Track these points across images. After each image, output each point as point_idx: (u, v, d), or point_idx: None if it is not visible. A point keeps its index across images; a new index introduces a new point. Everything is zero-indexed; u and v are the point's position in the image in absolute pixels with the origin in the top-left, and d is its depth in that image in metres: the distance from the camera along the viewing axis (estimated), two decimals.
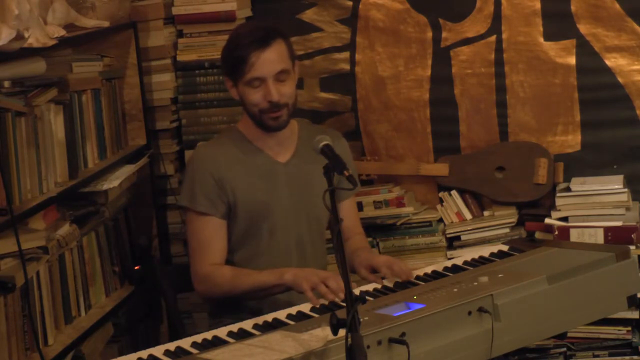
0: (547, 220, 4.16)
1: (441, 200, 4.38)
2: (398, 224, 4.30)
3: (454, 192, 4.35)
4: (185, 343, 2.84)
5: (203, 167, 3.34)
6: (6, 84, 3.32)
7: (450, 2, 4.37)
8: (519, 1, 4.31)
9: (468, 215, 4.33)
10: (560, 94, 4.33)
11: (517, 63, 4.34)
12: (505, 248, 3.48)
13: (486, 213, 4.35)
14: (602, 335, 4.13)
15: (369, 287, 3.18)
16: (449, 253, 4.25)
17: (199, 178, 3.33)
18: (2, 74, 3.28)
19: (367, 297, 3.00)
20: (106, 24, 3.97)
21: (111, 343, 3.89)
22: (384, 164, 4.43)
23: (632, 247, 3.90)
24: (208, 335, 2.89)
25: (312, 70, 4.48)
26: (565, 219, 4.14)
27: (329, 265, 3.53)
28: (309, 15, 4.45)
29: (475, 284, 3.01)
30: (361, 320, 2.56)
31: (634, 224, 4.07)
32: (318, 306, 3.03)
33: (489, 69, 4.36)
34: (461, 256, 3.47)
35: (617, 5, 4.24)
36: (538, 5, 4.30)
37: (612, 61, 4.28)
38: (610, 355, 4.15)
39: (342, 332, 2.52)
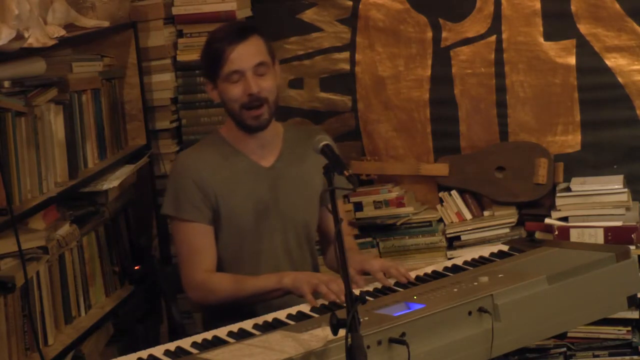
0: (547, 220, 4.16)
1: (441, 200, 4.38)
2: (398, 224, 4.30)
3: (454, 192, 4.35)
4: (185, 343, 2.84)
5: (185, 174, 3.29)
6: (6, 84, 3.32)
7: (450, 2, 4.37)
8: (519, 1, 4.31)
9: (468, 215, 4.33)
10: (560, 94, 4.33)
11: (517, 63, 4.34)
12: (505, 248, 3.48)
13: (486, 213, 4.35)
14: (602, 335, 4.13)
15: (369, 287, 3.18)
16: (449, 253, 4.25)
17: (181, 185, 3.28)
18: (2, 74, 3.28)
19: (367, 297, 2.99)
20: (106, 24, 3.97)
21: (111, 343, 3.89)
22: (384, 164, 4.43)
23: (632, 247, 3.90)
24: (208, 335, 2.88)
25: (312, 70, 4.48)
26: (565, 219, 4.14)
27: (320, 267, 3.52)
28: (309, 15, 4.45)
29: (475, 284, 3.01)
30: (361, 320, 2.56)
31: (634, 224, 4.07)
32: (318, 306, 3.03)
33: (489, 69, 4.36)
34: (461, 256, 3.47)
35: (617, 5, 4.24)
36: (538, 5, 4.30)
37: (612, 61, 4.28)
38: (610, 355, 4.15)
39: (342, 332, 2.52)
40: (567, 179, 4.28)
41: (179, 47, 4.34)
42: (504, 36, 4.34)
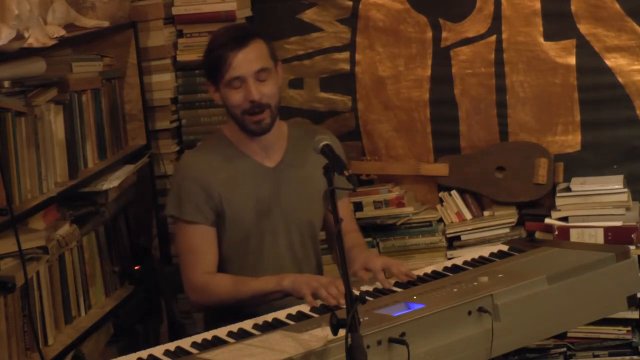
0: (547, 220, 4.16)
1: (441, 200, 4.38)
2: (398, 224, 4.30)
3: (454, 192, 4.35)
4: (185, 343, 2.84)
5: (189, 175, 3.29)
6: (6, 84, 3.32)
7: (450, 2, 4.37)
8: (519, 1, 4.31)
9: (468, 215, 4.33)
10: (560, 94, 4.33)
11: (517, 63, 4.34)
12: (505, 248, 3.48)
13: (486, 213, 4.35)
14: (602, 335, 4.13)
15: (369, 287, 3.18)
16: (449, 253, 4.25)
17: (185, 186, 3.28)
18: (2, 74, 3.28)
19: (367, 297, 2.99)
20: (106, 24, 3.97)
21: (111, 343, 3.89)
22: (384, 164, 4.43)
23: (632, 247, 3.90)
24: (208, 335, 2.89)
25: (312, 70, 4.48)
26: (565, 219, 4.14)
27: (325, 266, 3.52)
28: (309, 15, 4.45)
29: (475, 284, 3.01)
30: (361, 320, 2.56)
31: (634, 224, 4.07)
32: (318, 306, 3.03)
33: (489, 69, 4.36)
34: (461, 256, 3.47)
35: (617, 5, 4.24)
36: (538, 5, 4.30)
37: (612, 61, 4.28)
38: (610, 355, 4.15)
39: (342, 332, 2.52)
40: (567, 179, 4.28)
41: (179, 47, 4.34)
42: (504, 36, 4.34)
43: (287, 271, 3.26)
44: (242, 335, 2.87)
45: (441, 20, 4.38)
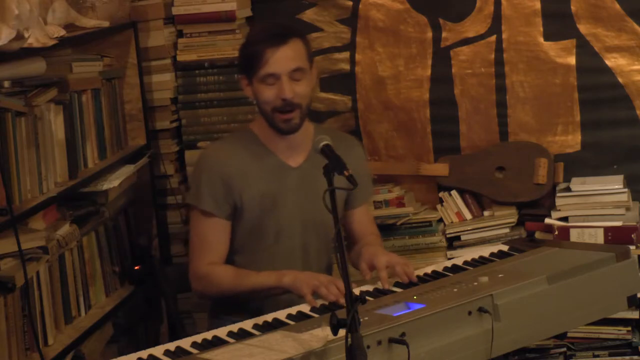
0: (547, 220, 4.16)
1: (441, 200, 4.38)
2: (398, 224, 4.30)
3: (454, 192, 4.35)
4: (185, 343, 2.84)
5: (212, 167, 3.31)
6: (6, 84, 3.32)
7: (450, 2, 4.37)
8: (519, 1, 4.31)
9: (468, 215, 4.33)
10: (560, 94, 4.33)
11: (517, 63, 4.34)
12: (505, 248, 3.48)
13: (486, 213, 4.35)
14: (602, 335, 4.13)
15: (369, 287, 3.18)
16: (449, 253, 4.25)
17: (206, 178, 3.30)
18: (2, 74, 3.28)
19: (367, 297, 2.99)
20: (106, 24, 3.97)
21: (111, 343, 3.89)
22: (384, 164, 4.43)
23: (632, 247, 3.90)
24: (208, 335, 2.88)
25: None
26: (565, 219, 4.14)
27: (335, 272, 3.52)
28: (309, 15, 4.45)
29: (475, 284, 3.01)
30: (361, 320, 2.56)
31: (634, 224, 4.07)
32: (318, 306, 3.03)
33: (489, 69, 4.36)
34: (461, 256, 3.46)
35: (617, 5, 4.24)
36: (538, 5, 4.30)
37: (612, 61, 4.28)
38: (610, 355, 4.15)
39: (342, 332, 2.52)
40: (567, 179, 4.28)
41: (179, 47, 4.34)
42: (504, 36, 4.34)
43: (298, 270, 3.26)
44: (242, 335, 2.87)
45: (441, 20, 4.38)
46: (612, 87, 4.28)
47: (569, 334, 4.14)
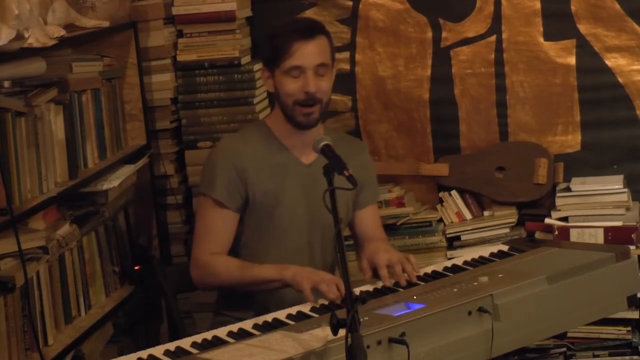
0: (547, 220, 4.16)
1: (441, 200, 4.38)
2: (398, 224, 4.30)
3: (454, 192, 4.35)
4: (185, 343, 2.84)
5: (227, 157, 3.32)
6: (6, 84, 3.32)
7: (450, 2, 4.38)
8: (519, 1, 4.31)
9: (468, 215, 4.34)
10: (560, 94, 4.33)
11: (517, 63, 4.35)
12: (505, 248, 3.48)
13: (486, 213, 4.35)
14: (602, 335, 4.13)
15: (369, 287, 3.18)
16: (449, 253, 4.25)
17: (220, 168, 3.31)
18: (2, 74, 3.28)
19: (367, 297, 2.99)
20: (106, 24, 3.97)
21: (111, 343, 3.89)
22: (384, 164, 4.43)
23: (632, 247, 3.90)
24: (208, 335, 2.88)
25: None
26: (565, 219, 4.14)
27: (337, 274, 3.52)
28: (309, 15, 4.44)
29: (475, 284, 3.01)
30: (361, 320, 2.56)
31: (634, 224, 4.07)
32: (318, 305, 3.03)
33: (489, 69, 4.36)
34: (461, 256, 3.47)
35: (617, 5, 4.24)
36: (538, 5, 4.30)
37: (612, 61, 4.28)
38: (610, 355, 4.15)
39: (342, 332, 2.52)
40: (567, 179, 4.28)
41: (179, 47, 4.34)
42: (504, 36, 4.34)
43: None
44: (242, 335, 2.87)
45: (441, 20, 4.38)
46: (612, 87, 4.28)
47: (569, 334, 4.14)
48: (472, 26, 4.37)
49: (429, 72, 4.41)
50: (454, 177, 4.36)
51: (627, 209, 4.12)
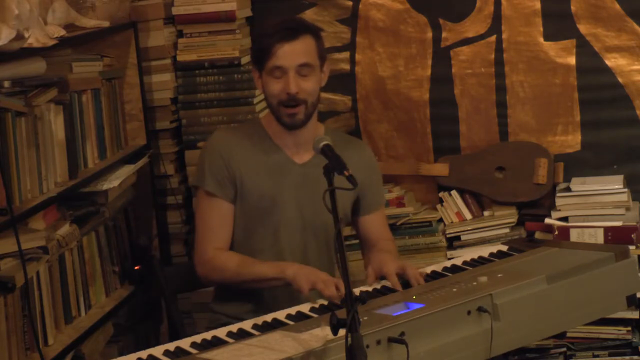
0: (547, 220, 4.16)
1: (441, 200, 4.38)
2: (398, 224, 4.30)
3: (454, 192, 4.35)
4: (185, 343, 2.84)
5: (214, 149, 3.34)
6: (6, 84, 3.32)
7: (450, 2, 4.38)
8: (519, 1, 4.31)
9: (468, 215, 4.34)
10: (560, 94, 4.33)
11: (517, 63, 4.35)
12: (504, 248, 3.48)
13: (486, 213, 4.35)
14: (602, 335, 4.13)
15: (369, 287, 3.18)
16: (449, 253, 4.25)
17: (209, 159, 3.33)
18: (2, 74, 3.28)
19: (367, 297, 2.99)
20: (106, 24, 3.97)
21: (111, 343, 3.89)
22: (384, 164, 4.43)
23: (632, 247, 3.90)
24: (208, 335, 2.89)
25: None
26: (565, 219, 4.14)
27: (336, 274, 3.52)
28: (309, 15, 4.45)
29: (475, 283, 3.01)
30: (361, 320, 2.56)
31: (634, 224, 4.07)
32: (317, 305, 3.03)
33: (489, 69, 4.37)
34: (461, 256, 3.47)
35: (617, 5, 4.24)
36: (538, 5, 4.30)
37: (612, 61, 4.28)
38: (610, 355, 4.15)
39: (342, 332, 2.53)
40: (567, 179, 4.28)
41: (179, 47, 4.34)
42: (504, 36, 4.34)
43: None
44: (241, 335, 2.87)
45: (441, 20, 4.38)
46: (612, 87, 4.28)
47: (568, 334, 4.14)
48: (472, 26, 4.37)
49: (429, 72, 4.41)
50: (454, 177, 4.37)
51: (627, 209, 4.12)
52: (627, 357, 4.14)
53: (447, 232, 4.29)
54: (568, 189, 4.20)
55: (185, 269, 3.54)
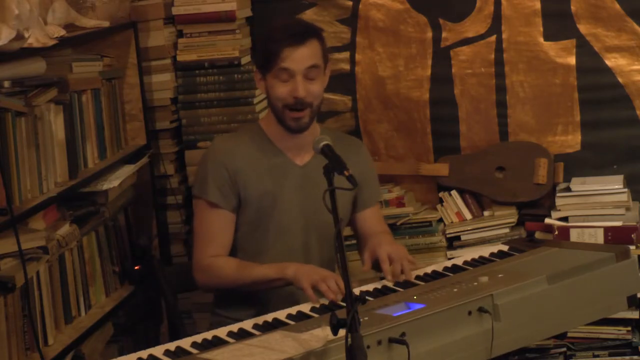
0: (547, 220, 4.16)
1: (441, 200, 4.38)
2: (398, 224, 4.30)
3: (454, 192, 4.35)
4: (185, 343, 2.84)
5: (218, 159, 3.33)
6: (6, 84, 3.32)
7: (450, 2, 4.38)
8: (519, 1, 4.31)
9: (468, 215, 4.34)
10: (560, 94, 4.33)
11: (517, 63, 4.35)
12: (505, 248, 3.48)
13: (486, 213, 4.35)
14: (602, 335, 4.13)
15: (369, 287, 3.18)
16: (449, 253, 4.25)
17: (212, 169, 3.32)
18: (2, 74, 3.28)
19: (367, 297, 3.00)
20: (106, 24, 3.97)
21: (111, 343, 3.89)
22: (384, 164, 4.43)
23: (632, 247, 3.90)
24: (208, 335, 2.88)
25: None
26: (565, 219, 4.14)
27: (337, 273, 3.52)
28: (309, 15, 4.45)
29: (475, 284, 3.01)
30: (361, 320, 2.56)
31: (634, 224, 4.07)
32: (318, 305, 3.03)
33: (489, 69, 4.37)
34: (461, 256, 3.47)
35: (617, 5, 4.24)
36: (538, 5, 4.30)
37: (612, 61, 4.28)
38: (610, 355, 4.15)
39: (342, 332, 2.52)
40: (567, 179, 4.28)
41: (179, 47, 4.34)
42: (504, 36, 4.34)
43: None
44: (242, 335, 2.87)
45: (441, 20, 4.38)
46: (612, 87, 4.28)
47: (569, 334, 4.15)
48: (472, 26, 4.37)
49: (429, 72, 4.41)
50: (454, 177, 4.36)
51: (627, 209, 4.12)
52: (627, 357, 4.15)
53: (447, 232, 4.29)
54: (568, 189, 4.20)
55: (185, 269, 3.53)
